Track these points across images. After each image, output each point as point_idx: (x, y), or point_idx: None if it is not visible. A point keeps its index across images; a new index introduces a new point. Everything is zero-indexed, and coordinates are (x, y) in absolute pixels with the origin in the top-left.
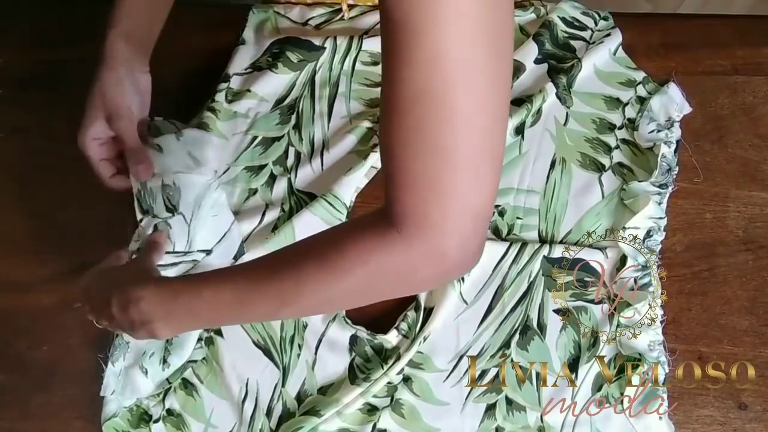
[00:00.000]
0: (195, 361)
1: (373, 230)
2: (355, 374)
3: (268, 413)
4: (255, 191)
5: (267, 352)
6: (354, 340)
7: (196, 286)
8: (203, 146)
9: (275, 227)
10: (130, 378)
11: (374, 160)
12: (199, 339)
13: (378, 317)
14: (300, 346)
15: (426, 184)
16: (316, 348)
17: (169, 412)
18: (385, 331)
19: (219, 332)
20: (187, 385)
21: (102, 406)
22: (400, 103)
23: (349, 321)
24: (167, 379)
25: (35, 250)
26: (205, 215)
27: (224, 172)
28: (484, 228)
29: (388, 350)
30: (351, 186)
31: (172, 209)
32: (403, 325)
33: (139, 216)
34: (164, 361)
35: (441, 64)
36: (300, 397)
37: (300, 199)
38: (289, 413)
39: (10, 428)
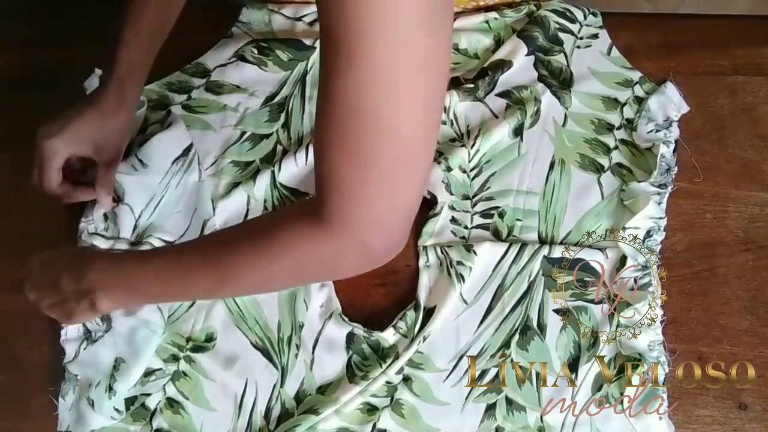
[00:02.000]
0: (176, 380)
1: (302, 222)
2: (353, 372)
3: (267, 414)
4: (238, 183)
5: (266, 353)
6: (351, 337)
7: (139, 260)
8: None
9: None
10: (79, 412)
11: None
12: (176, 359)
13: (375, 315)
14: (297, 346)
15: (353, 188)
16: (313, 347)
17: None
18: (382, 329)
19: (199, 349)
20: (172, 404)
21: None
22: (334, 116)
23: (345, 318)
24: (144, 406)
25: (36, 249)
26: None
27: (211, 165)
28: (409, 221)
29: (385, 348)
30: None
31: (117, 200)
32: (401, 324)
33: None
34: (110, 388)
35: (375, 83)
36: (299, 397)
37: (282, 195)
38: (288, 413)
39: (11, 428)
